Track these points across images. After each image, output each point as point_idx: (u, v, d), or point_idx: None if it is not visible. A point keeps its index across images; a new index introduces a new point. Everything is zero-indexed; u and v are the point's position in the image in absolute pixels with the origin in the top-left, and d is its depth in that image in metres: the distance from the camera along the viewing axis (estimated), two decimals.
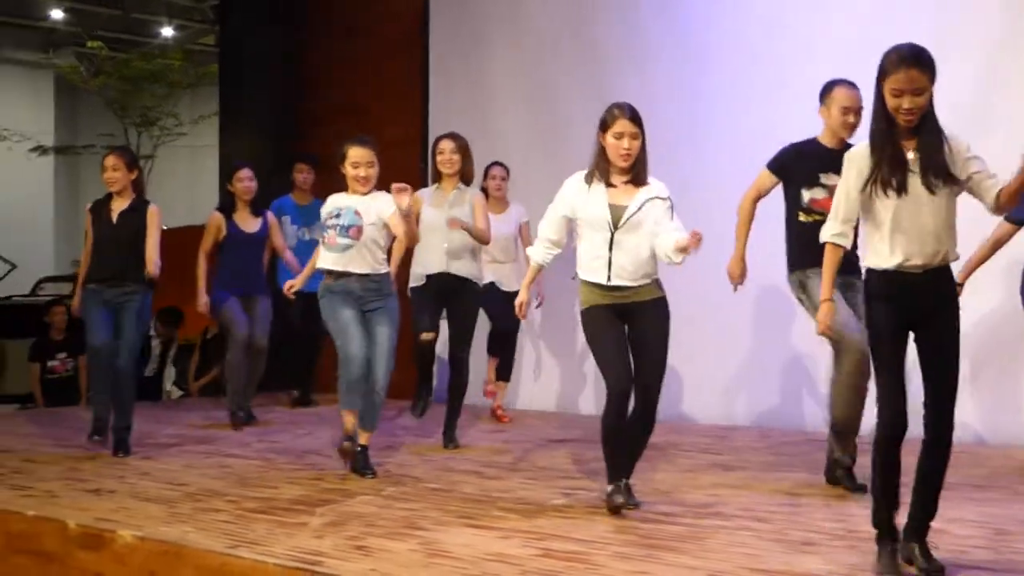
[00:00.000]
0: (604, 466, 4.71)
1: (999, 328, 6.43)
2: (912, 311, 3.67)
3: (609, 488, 4.64)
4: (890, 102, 3.63)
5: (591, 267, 4.71)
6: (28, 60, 23.96)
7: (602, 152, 4.71)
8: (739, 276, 5.28)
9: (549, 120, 8.60)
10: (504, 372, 7.85)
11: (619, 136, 4.65)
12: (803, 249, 5.01)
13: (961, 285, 3.77)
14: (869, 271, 3.75)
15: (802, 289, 5.13)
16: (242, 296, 7.55)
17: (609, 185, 4.71)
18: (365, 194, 5.63)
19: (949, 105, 6.57)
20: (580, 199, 4.73)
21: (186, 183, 23.20)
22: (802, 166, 5.10)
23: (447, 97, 9.46)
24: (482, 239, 6.47)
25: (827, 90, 5.13)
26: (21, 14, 22.08)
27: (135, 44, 22.58)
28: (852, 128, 5.04)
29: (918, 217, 3.63)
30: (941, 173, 3.63)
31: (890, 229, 3.66)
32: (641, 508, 4.71)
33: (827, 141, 5.11)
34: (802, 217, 5.07)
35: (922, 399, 3.67)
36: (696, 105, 7.96)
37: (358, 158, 5.61)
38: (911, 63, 3.59)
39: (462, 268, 6.45)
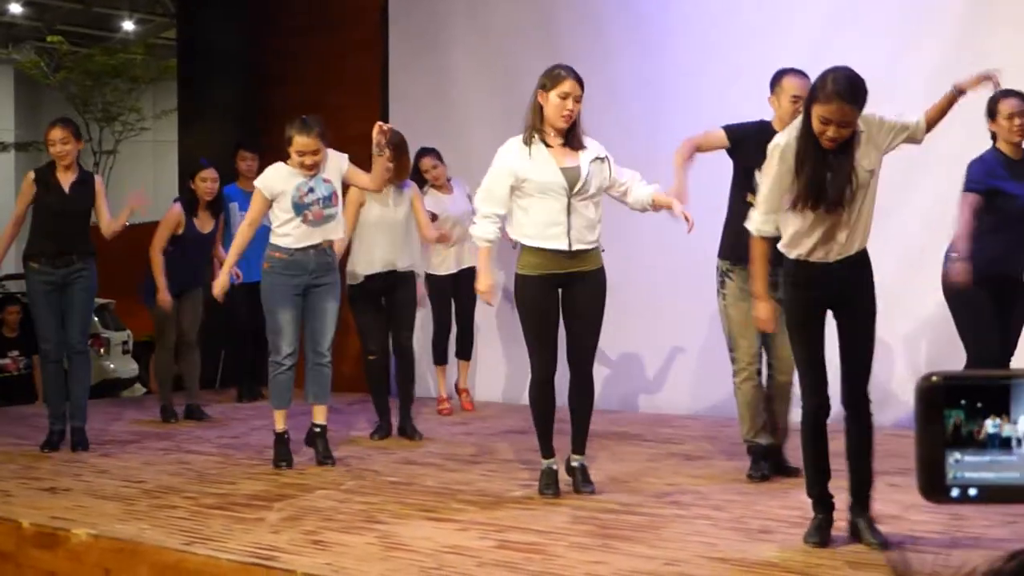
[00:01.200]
0: (562, 456, 4.71)
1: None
2: (827, 296, 3.84)
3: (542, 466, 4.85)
4: (816, 126, 3.71)
5: (548, 234, 4.65)
6: None
7: (539, 112, 4.69)
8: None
9: (511, 112, 8.55)
10: (466, 351, 7.81)
11: (564, 96, 4.66)
12: (737, 236, 5.01)
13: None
14: (784, 257, 3.90)
15: (722, 283, 5.16)
16: (178, 293, 7.44)
17: (548, 147, 4.70)
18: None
19: (908, 95, 6.69)
20: (524, 164, 4.65)
21: (149, 179, 23.02)
22: (759, 147, 5.08)
23: (408, 92, 9.42)
24: (426, 238, 6.57)
25: (777, 79, 5.11)
26: None
27: (96, 39, 22.38)
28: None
29: (824, 224, 3.79)
30: (847, 194, 3.76)
31: (797, 229, 3.83)
32: (599, 494, 4.72)
33: (779, 128, 5.10)
34: (749, 198, 5.06)
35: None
36: (653, 92, 7.97)
37: (303, 147, 5.50)
38: (844, 98, 3.65)
39: (405, 262, 6.46)
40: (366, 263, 6.37)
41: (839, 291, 3.82)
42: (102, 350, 12.58)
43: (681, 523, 4.29)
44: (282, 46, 10.17)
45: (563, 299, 4.72)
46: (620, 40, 8.21)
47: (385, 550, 3.92)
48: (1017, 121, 5.33)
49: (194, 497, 4.95)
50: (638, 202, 4.86)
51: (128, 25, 22.28)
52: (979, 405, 1.12)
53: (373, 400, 6.66)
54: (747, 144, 5.09)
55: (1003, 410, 1.13)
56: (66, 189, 6.33)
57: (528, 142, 4.68)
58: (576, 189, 4.64)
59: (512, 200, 4.68)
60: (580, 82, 4.69)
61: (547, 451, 4.86)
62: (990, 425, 1.12)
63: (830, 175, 3.73)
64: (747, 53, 7.39)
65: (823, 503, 3.93)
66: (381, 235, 6.34)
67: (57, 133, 6.35)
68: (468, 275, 7.48)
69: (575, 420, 4.78)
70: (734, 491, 4.91)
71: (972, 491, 1.13)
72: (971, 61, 6.70)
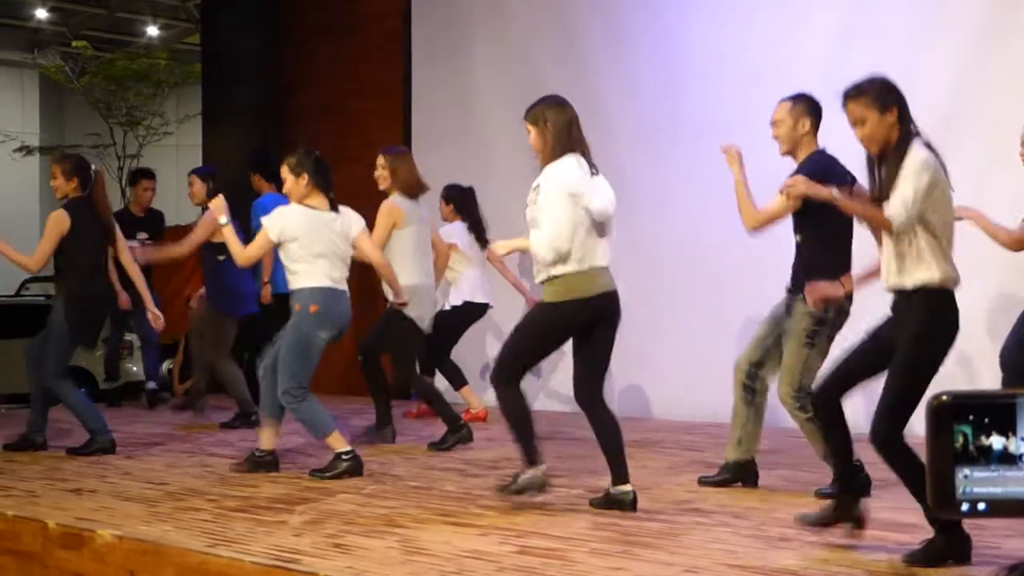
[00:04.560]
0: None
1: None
2: (891, 327, 3.83)
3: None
4: None
5: None
6: (13, 60, 23.86)
7: None
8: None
9: None
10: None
11: None
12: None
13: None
14: None
15: None
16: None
17: None
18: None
19: (925, 105, 6.67)
20: None
21: (173, 183, 23.13)
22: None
23: (430, 95, 9.48)
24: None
25: None
26: (5, 14, 21.99)
27: (120, 43, 22.52)
28: (777, 141, 5.03)
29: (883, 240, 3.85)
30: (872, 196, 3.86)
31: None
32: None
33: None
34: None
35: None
36: (672, 96, 8.01)
37: None
38: (844, 100, 3.84)
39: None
40: None
41: (896, 323, 3.81)
42: (124, 352, 12.66)
43: (701, 530, 4.30)
44: (305, 51, 10.24)
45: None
46: (639, 45, 8.25)
47: (406, 554, 3.95)
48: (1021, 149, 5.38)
49: (217, 499, 4.99)
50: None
51: (152, 30, 22.42)
52: (986, 421, 1.15)
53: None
54: None
55: (1009, 427, 1.16)
56: None
57: None
58: None
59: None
60: (527, 116, 4.74)
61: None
62: (996, 440, 1.14)
63: (872, 181, 3.88)
64: (764, 57, 7.41)
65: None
66: None
67: (51, 169, 6.49)
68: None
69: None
70: (754, 499, 4.92)
71: (981, 505, 1.16)
72: (987, 66, 6.71)
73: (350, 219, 5.70)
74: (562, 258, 4.52)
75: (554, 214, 4.53)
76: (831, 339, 4.88)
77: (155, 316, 6.66)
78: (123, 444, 6.57)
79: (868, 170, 3.92)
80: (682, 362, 7.82)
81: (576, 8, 8.63)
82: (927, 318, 3.74)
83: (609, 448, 4.66)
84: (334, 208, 5.62)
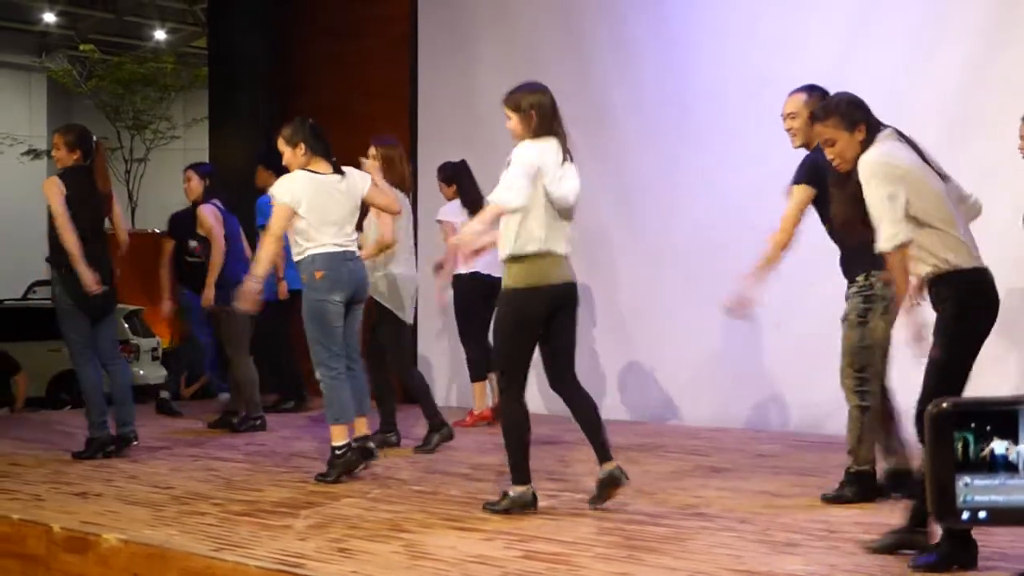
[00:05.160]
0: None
1: None
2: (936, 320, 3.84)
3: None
4: None
5: None
6: (21, 64, 23.96)
7: None
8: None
9: None
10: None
11: None
12: None
13: None
14: None
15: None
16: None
17: None
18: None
19: (933, 105, 6.68)
20: None
21: (179, 186, 23.18)
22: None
23: (436, 97, 9.47)
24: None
25: None
26: (13, 17, 22.09)
27: (128, 47, 22.61)
28: (790, 133, 5.00)
29: None
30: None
31: None
32: (624, 505, 4.72)
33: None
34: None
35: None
36: (677, 99, 7.98)
37: None
38: (815, 119, 3.97)
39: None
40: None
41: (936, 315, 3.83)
42: (131, 356, 12.70)
43: (707, 535, 4.29)
44: (311, 53, 10.24)
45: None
46: (645, 48, 8.22)
47: (410, 559, 3.94)
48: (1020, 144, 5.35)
49: (222, 503, 4.99)
50: None
51: (159, 34, 22.50)
52: (988, 428, 1.14)
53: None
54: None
55: (1011, 434, 1.15)
56: None
57: None
58: None
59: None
60: (508, 102, 4.77)
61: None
62: (998, 447, 1.13)
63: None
64: (769, 61, 7.38)
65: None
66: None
67: (53, 139, 6.41)
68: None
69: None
70: (760, 503, 4.90)
71: (982, 514, 1.15)
72: (991, 66, 6.68)
73: (355, 177, 5.67)
74: (515, 210, 4.54)
75: (513, 171, 4.57)
76: (890, 315, 4.69)
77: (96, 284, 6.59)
78: (129, 448, 6.57)
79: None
80: (686, 366, 7.80)
81: (582, 11, 8.63)
82: (957, 298, 3.76)
83: (588, 426, 4.68)
84: (338, 171, 5.60)
